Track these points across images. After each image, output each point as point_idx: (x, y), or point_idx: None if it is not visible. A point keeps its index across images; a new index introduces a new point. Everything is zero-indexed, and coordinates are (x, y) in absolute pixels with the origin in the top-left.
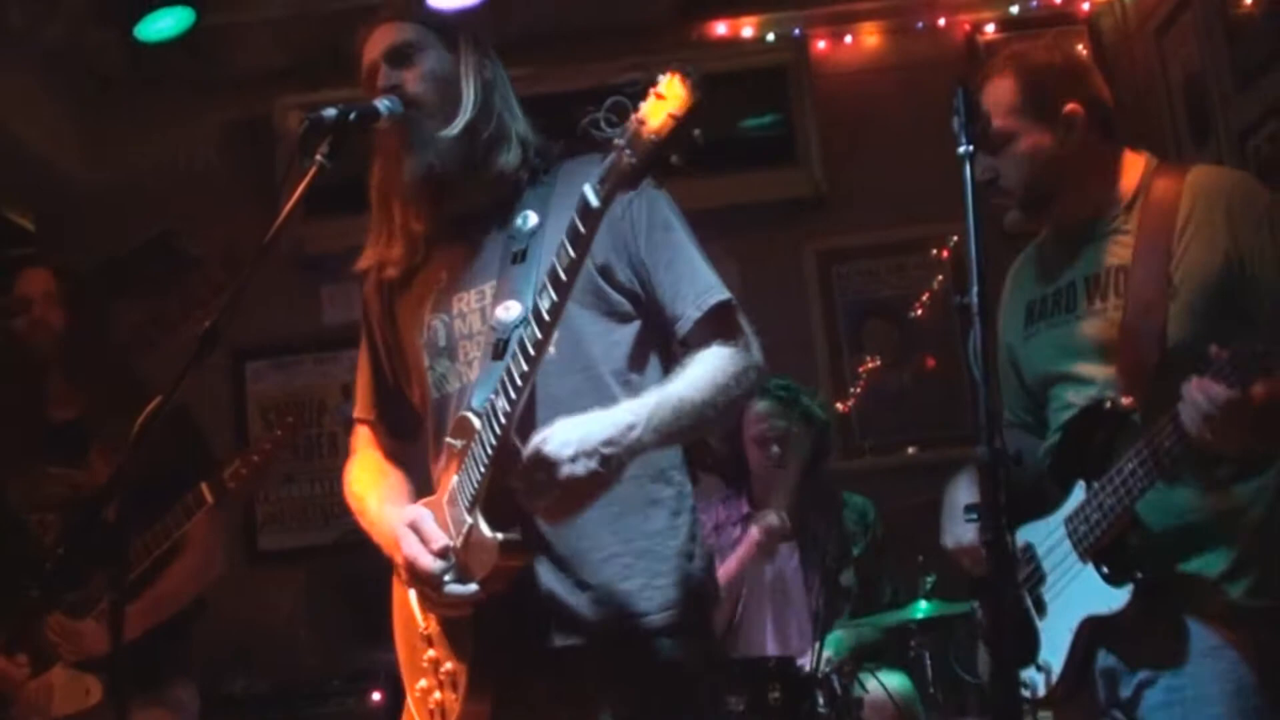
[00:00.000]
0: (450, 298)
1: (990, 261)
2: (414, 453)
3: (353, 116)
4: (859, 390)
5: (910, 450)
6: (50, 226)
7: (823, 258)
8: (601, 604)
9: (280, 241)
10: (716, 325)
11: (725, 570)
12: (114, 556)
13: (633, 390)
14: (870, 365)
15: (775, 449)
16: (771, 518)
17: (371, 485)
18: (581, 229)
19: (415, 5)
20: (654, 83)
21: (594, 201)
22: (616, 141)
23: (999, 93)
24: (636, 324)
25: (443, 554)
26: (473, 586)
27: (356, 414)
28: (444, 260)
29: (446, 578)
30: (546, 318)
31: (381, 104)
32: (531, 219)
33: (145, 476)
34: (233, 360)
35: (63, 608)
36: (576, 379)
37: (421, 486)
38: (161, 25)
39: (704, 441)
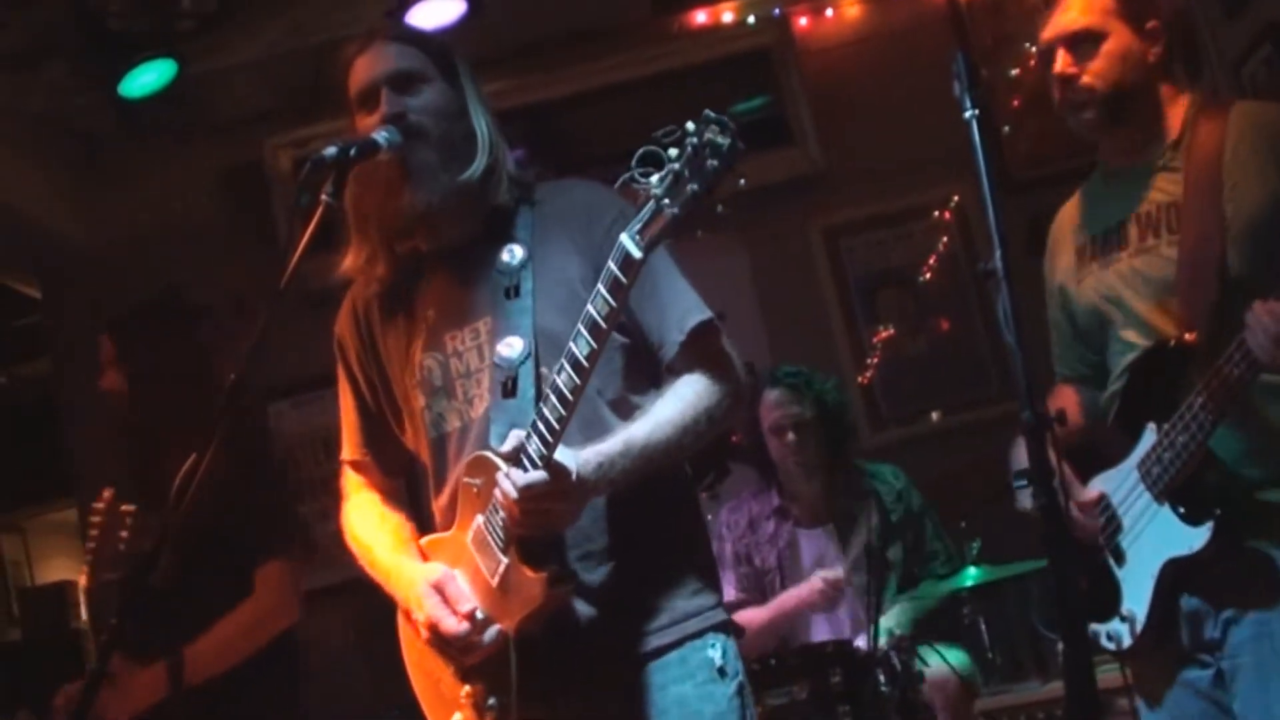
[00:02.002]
0: (442, 336)
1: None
2: (403, 491)
3: (353, 152)
4: (875, 361)
5: (934, 416)
6: (56, 292)
7: (828, 233)
8: (630, 615)
9: (291, 286)
10: (699, 349)
11: (782, 604)
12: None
13: (633, 415)
14: (885, 335)
15: (792, 436)
16: (837, 572)
17: (377, 532)
18: (623, 279)
19: (411, 29)
20: (690, 132)
21: (636, 253)
22: (654, 192)
23: None
24: (627, 346)
25: (469, 617)
26: (493, 633)
27: (346, 456)
28: (430, 296)
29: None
30: (585, 364)
31: (380, 136)
32: (518, 253)
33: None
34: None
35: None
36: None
37: (418, 525)
38: (144, 80)
39: (733, 434)
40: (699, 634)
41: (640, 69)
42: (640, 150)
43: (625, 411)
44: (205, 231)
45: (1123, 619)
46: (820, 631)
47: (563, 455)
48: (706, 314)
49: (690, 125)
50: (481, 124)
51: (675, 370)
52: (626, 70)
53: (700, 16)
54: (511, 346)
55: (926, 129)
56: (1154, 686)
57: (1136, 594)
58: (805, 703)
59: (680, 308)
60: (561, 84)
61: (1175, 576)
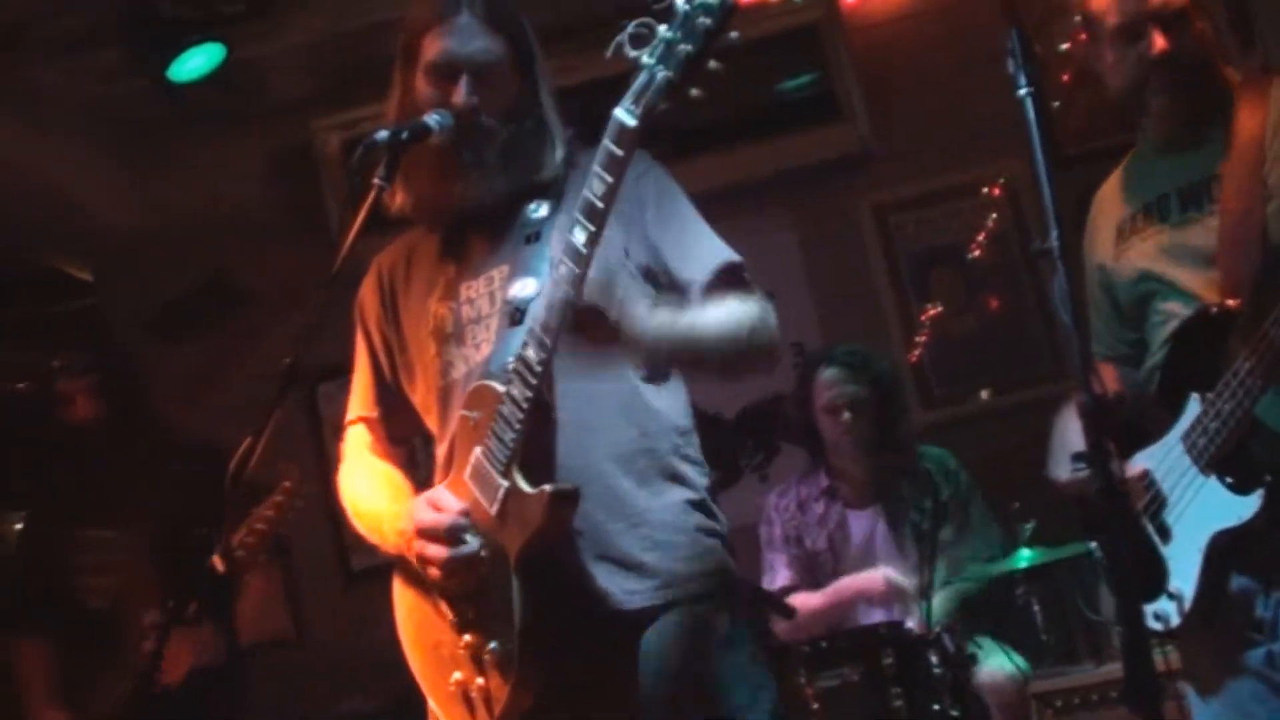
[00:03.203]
0: (458, 286)
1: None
2: (408, 460)
3: (405, 136)
4: (925, 339)
5: (984, 395)
6: (107, 275)
7: (878, 211)
8: (624, 575)
9: (345, 267)
10: (728, 285)
11: (840, 590)
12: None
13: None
14: (934, 313)
15: (847, 415)
16: (894, 575)
17: (372, 486)
18: (619, 151)
19: (503, 7)
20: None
21: (630, 121)
22: (645, 60)
23: None
24: (651, 297)
25: (462, 514)
26: (478, 542)
27: (355, 412)
28: (452, 253)
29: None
30: (583, 250)
31: (432, 119)
32: (543, 208)
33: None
34: (304, 385)
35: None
36: (595, 354)
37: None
38: (193, 64)
39: (784, 414)
40: (697, 599)
41: None
42: (630, 26)
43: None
44: (254, 214)
45: (1170, 597)
46: (872, 614)
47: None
48: (735, 256)
49: None
50: (553, 118)
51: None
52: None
53: None
54: (525, 287)
55: (976, 104)
56: (1203, 668)
57: (1184, 570)
58: (857, 684)
59: (706, 248)
60: (609, 63)
61: (1224, 552)
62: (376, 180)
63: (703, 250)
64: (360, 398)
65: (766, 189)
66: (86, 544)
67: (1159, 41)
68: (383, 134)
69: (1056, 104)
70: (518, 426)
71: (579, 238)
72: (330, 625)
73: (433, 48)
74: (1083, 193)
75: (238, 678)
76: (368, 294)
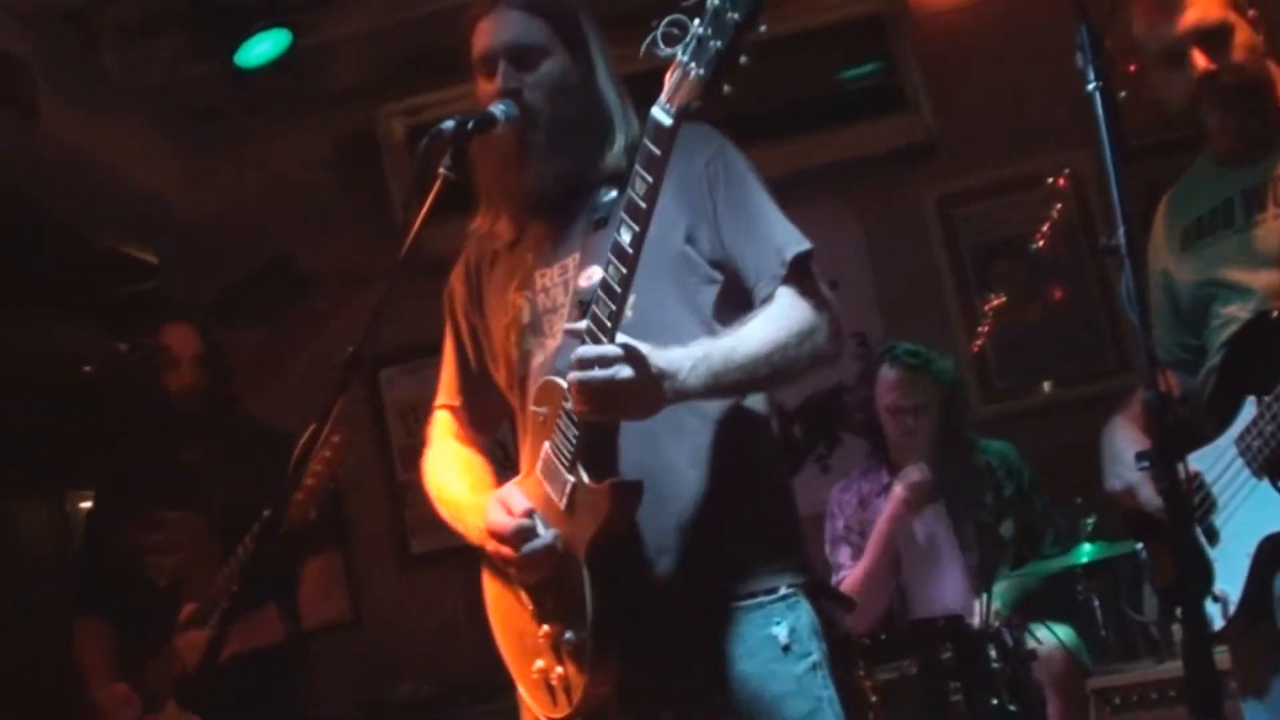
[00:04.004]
0: (534, 274)
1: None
2: (493, 447)
3: (470, 126)
4: (987, 329)
5: (1046, 387)
6: (171, 259)
7: (941, 202)
8: (695, 570)
9: (410, 257)
10: (792, 279)
11: (878, 534)
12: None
13: (710, 331)
14: (997, 303)
15: (910, 419)
16: (913, 472)
17: (455, 475)
18: (656, 151)
19: None
20: None
21: (666, 120)
22: (680, 58)
23: None
24: (720, 284)
25: (526, 515)
26: (549, 536)
27: (442, 399)
28: (530, 242)
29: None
30: (629, 250)
31: (498, 109)
32: (612, 191)
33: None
34: (366, 370)
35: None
36: (655, 341)
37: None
38: (259, 50)
39: (845, 404)
40: (767, 605)
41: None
42: (661, 24)
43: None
44: (318, 200)
45: (1214, 599)
46: (931, 605)
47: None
48: (806, 244)
49: None
50: (611, 96)
51: (769, 301)
52: None
53: None
54: (591, 277)
55: (1041, 95)
56: (1251, 671)
57: (1230, 573)
58: (915, 678)
59: (779, 239)
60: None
61: (1273, 554)
62: (443, 169)
63: (771, 240)
64: (446, 385)
65: (829, 179)
66: (157, 523)
67: (1200, 61)
68: (449, 124)
69: (1123, 94)
70: (578, 423)
71: (624, 238)
72: (388, 609)
73: (477, 45)
74: (1148, 185)
75: (299, 660)
76: (456, 283)
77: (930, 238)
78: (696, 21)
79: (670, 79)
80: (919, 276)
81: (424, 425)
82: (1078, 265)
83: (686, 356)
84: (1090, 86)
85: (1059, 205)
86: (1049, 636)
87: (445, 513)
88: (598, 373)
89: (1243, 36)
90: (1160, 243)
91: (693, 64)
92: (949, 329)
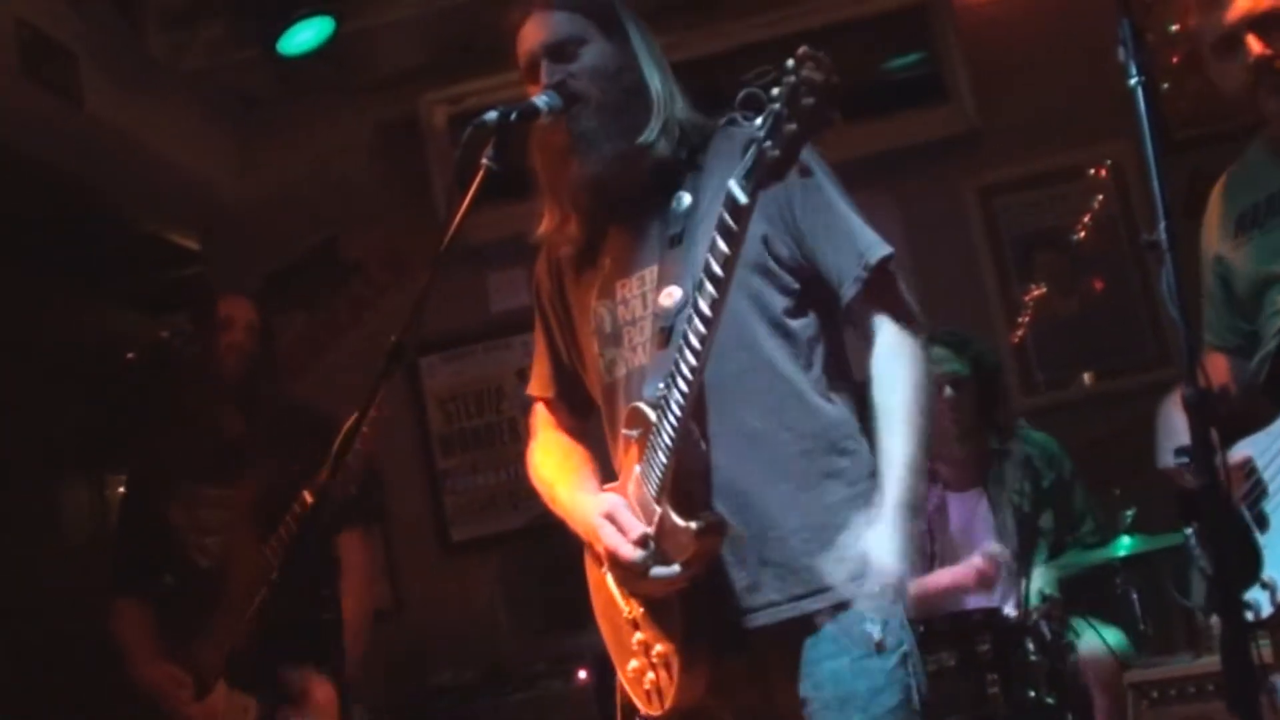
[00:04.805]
0: (614, 284)
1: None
2: (592, 430)
3: (513, 117)
4: (1028, 319)
5: (1086, 378)
6: (214, 245)
7: (983, 193)
8: (786, 581)
9: (452, 247)
10: (880, 294)
11: (933, 584)
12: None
13: (790, 338)
14: (1037, 293)
15: (950, 392)
16: (995, 547)
17: (559, 470)
18: (733, 225)
19: None
20: (787, 70)
21: (742, 199)
22: (757, 135)
23: None
24: (798, 291)
25: (642, 543)
26: (676, 568)
27: (534, 391)
28: (607, 247)
29: (649, 564)
30: (709, 313)
31: (540, 100)
32: (685, 199)
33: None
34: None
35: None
36: (741, 358)
37: (604, 463)
38: (302, 37)
39: None
40: (854, 601)
41: (796, 24)
42: (741, 93)
43: (786, 337)
44: (360, 186)
45: (1263, 586)
46: (969, 599)
47: (854, 545)
48: (888, 248)
49: (788, 63)
50: (654, 78)
51: (854, 311)
52: (783, 25)
53: None
54: (670, 296)
55: (1082, 87)
56: None
57: (1279, 560)
58: (953, 670)
59: (861, 242)
60: (718, 39)
61: None
62: (485, 160)
63: (857, 247)
64: (540, 378)
65: (871, 168)
66: (197, 501)
67: (1255, 46)
68: (491, 114)
69: (1166, 85)
70: (665, 458)
71: (704, 301)
72: (428, 597)
73: (520, 52)
74: (1192, 176)
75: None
76: (542, 276)
77: (971, 228)
78: (773, 94)
79: (748, 154)
80: (960, 267)
81: (465, 413)
82: (1118, 257)
83: (897, 512)
84: (1132, 81)
85: (1100, 197)
86: (1094, 638)
87: (554, 509)
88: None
89: None
90: (1215, 228)
91: (769, 144)
92: (989, 320)
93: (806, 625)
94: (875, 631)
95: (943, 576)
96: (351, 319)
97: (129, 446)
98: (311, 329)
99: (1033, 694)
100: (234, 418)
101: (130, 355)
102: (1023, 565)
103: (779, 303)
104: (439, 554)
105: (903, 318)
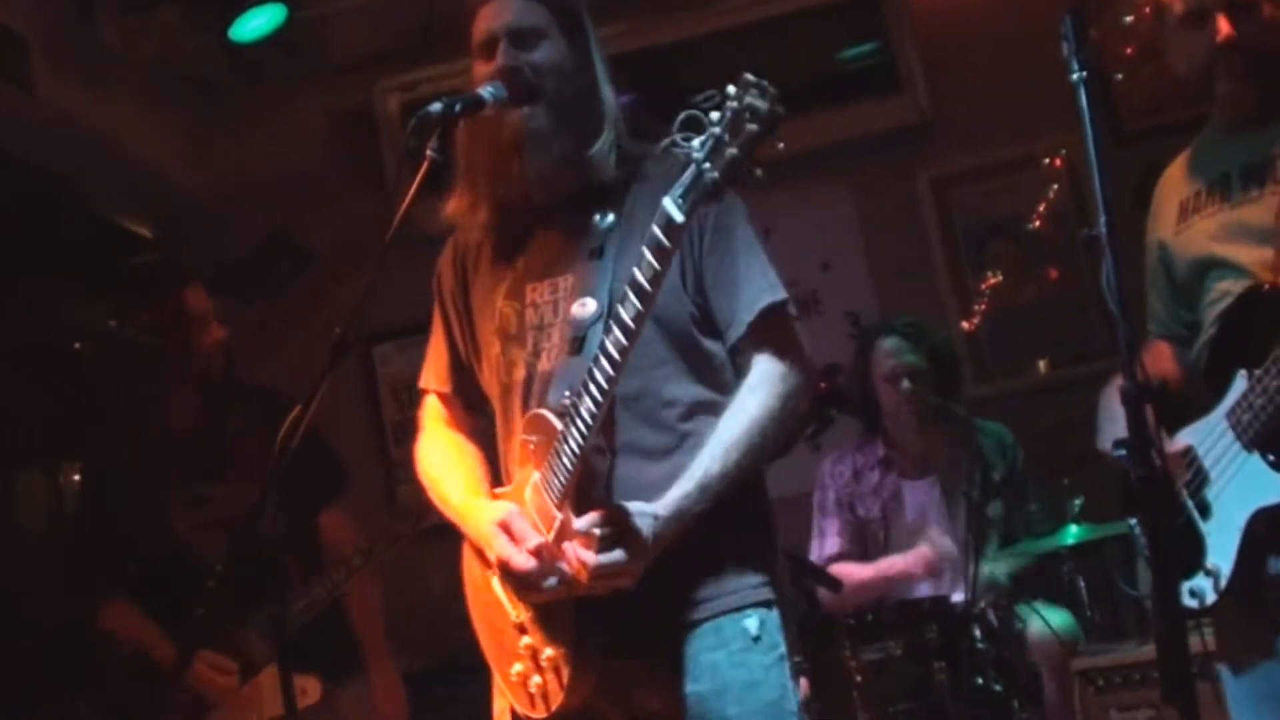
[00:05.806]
0: (525, 286)
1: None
2: (484, 428)
3: (458, 109)
4: (983, 308)
5: (1041, 366)
6: (167, 232)
7: (936, 183)
8: (671, 585)
9: (399, 237)
10: (768, 332)
11: (882, 571)
12: (271, 573)
13: (703, 360)
14: (992, 282)
15: (906, 383)
16: (946, 542)
17: (451, 470)
18: (666, 243)
19: None
20: (729, 96)
21: (677, 217)
22: (695, 156)
23: None
24: (698, 317)
25: (536, 554)
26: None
27: (429, 384)
28: (524, 248)
29: (544, 574)
30: (631, 325)
31: (486, 91)
32: (610, 216)
33: (284, 490)
34: (359, 347)
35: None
36: (639, 379)
37: (494, 463)
38: (254, 24)
39: (838, 384)
40: (738, 609)
41: (749, 14)
42: (681, 115)
43: (699, 358)
44: (314, 174)
45: (1206, 573)
46: (918, 587)
47: (640, 518)
48: (780, 295)
49: (730, 89)
50: (607, 90)
51: (740, 352)
52: (735, 15)
53: None
54: (585, 306)
55: (1037, 76)
56: (1239, 652)
57: (1222, 547)
58: (901, 658)
59: (754, 288)
60: (669, 29)
61: (1264, 533)
62: (430, 151)
63: (750, 292)
64: (435, 371)
65: (825, 159)
66: (195, 500)
67: (1224, 27)
68: (436, 106)
69: (1119, 76)
70: (570, 467)
71: (628, 313)
72: (383, 585)
73: (477, 29)
74: (1145, 167)
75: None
76: (445, 269)
77: (925, 218)
78: (714, 117)
79: (686, 175)
80: (913, 257)
81: (416, 404)
82: (1073, 246)
83: (682, 505)
84: (1074, 77)
85: (1055, 186)
86: (1042, 622)
87: (440, 508)
88: (609, 579)
89: (1270, 10)
90: (1160, 214)
91: (708, 165)
92: (942, 309)
93: (689, 625)
94: (752, 627)
95: (893, 564)
96: (308, 308)
97: (83, 439)
98: (268, 318)
99: (979, 681)
100: (223, 413)
101: (77, 345)
102: (973, 554)
103: (683, 321)
104: None
105: (786, 356)
